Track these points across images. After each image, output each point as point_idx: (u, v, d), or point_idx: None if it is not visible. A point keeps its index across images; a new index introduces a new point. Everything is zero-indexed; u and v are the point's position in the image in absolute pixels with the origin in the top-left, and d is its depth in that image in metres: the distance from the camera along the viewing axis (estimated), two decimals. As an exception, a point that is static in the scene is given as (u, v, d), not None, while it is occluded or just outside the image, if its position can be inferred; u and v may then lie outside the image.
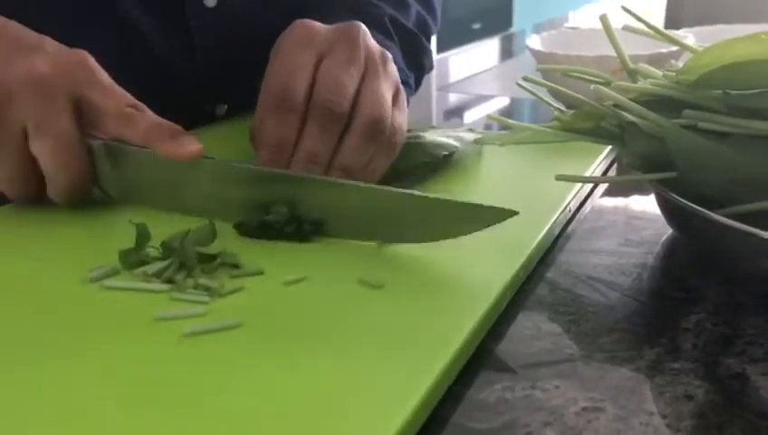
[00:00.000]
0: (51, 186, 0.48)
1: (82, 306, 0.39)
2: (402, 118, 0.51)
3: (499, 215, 0.40)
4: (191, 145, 0.46)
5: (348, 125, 0.48)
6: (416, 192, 0.43)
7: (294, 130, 0.47)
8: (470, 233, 0.41)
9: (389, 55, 0.52)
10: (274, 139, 0.47)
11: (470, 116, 0.86)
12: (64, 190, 0.48)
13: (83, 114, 0.47)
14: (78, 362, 0.34)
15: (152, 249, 0.42)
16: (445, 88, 0.99)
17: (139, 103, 0.48)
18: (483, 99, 0.91)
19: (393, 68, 0.52)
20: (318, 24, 0.51)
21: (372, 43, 0.51)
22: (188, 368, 0.33)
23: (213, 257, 0.42)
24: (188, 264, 0.41)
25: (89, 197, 0.50)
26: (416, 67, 0.70)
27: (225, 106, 0.72)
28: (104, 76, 0.48)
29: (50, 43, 0.48)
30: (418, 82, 0.72)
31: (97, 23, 0.51)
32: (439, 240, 0.42)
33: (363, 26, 0.51)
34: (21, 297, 0.40)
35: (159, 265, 0.41)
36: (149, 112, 0.48)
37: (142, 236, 0.42)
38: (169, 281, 0.40)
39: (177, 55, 0.66)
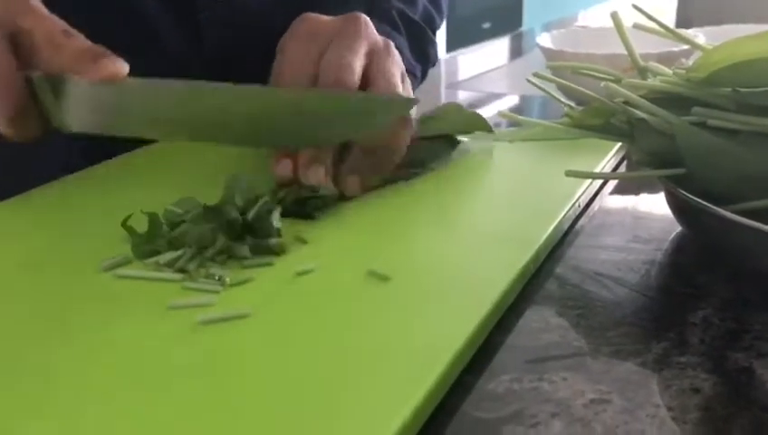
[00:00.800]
0: None
1: (95, 295, 0.39)
2: (398, 139, 0.51)
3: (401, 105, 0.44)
4: (112, 66, 0.44)
5: None
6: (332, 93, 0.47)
7: None
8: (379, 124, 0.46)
9: (392, 43, 0.53)
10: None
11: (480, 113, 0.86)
12: (7, 121, 0.47)
13: (19, 45, 0.47)
14: (90, 349, 0.34)
15: (160, 239, 0.42)
16: (454, 86, 0.99)
17: (72, 30, 0.47)
18: (492, 96, 0.92)
19: (397, 55, 0.53)
20: (323, 18, 0.52)
21: (374, 32, 0.52)
22: (199, 356, 0.33)
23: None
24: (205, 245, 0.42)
25: (35, 130, 0.49)
26: (422, 58, 0.71)
27: None
28: (39, 5, 0.48)
29: None
30: (424, 74, 0.73)
31: (108, 12, 0.52)
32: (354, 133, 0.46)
33: (365, 16, 0.52)
34: (33, 286, 0.41)
35: (171, 254, 0.41)
36: (80, 38, 0.47)
37: (154, 225, 0.43)
38: (181, 271, 0.40)
39: (185, 48, 0.67)
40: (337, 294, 0.38)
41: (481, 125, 0.57)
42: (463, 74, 1.06)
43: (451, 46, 0.78)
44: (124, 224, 0.44)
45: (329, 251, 0.43)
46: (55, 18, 0.48)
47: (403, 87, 0.52)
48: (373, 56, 0.51)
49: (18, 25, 0.47)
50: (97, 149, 0.57)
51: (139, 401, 0.30)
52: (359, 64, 0.49)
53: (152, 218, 0.43)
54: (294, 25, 0.52)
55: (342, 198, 0.49)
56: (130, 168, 0.60)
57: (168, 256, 0.41)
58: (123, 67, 0.44)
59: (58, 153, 0.61)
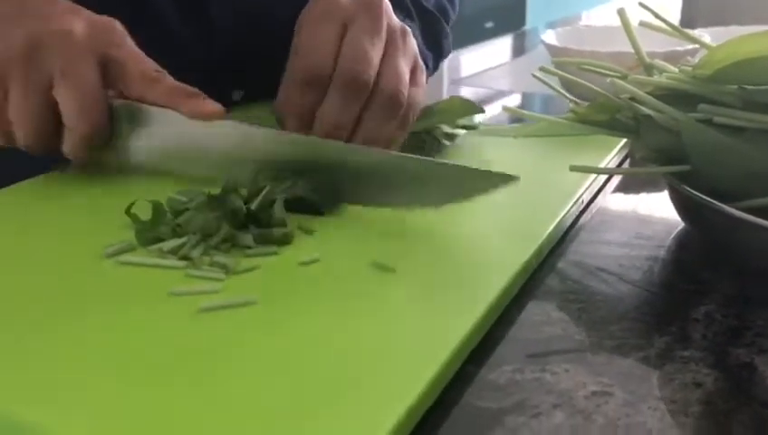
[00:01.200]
0: (68, 135, 0.49)
1: (98, 281, 0.39)
2: (418, 94, 0.52)
3: (503, 179, 0.43)
4: (212, 105, 0.48)
5: (367, 99, 0.49)
6: (429, 159, 0.46)
7: (320, 100, 0.49)
8: (478, 195, 0.44)
9: (409, 30, 0.53)
10: (299, 109, 0.49)
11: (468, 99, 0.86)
12: (81, 140, 0.49)
13: (108, 73, 0.49)
14: (93, 333, 0.34)
15: (164, 226, 0.42)
16: (456, 82, 0.99)
17: (162, 69, 0.50)
18: (494, 93, 0.92)
19: (413, 43, 0.53)
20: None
21: (393, 17, 0.52)
22: (201, 342, 0.33)
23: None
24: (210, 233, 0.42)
25: (100, 155, 0.51)
26: (435, 48, 0.71)
27: (242, 91, 0.73)
28: (131, 42, 0.50)
29: (86, 10, 0.50)
30: (436, 64, 0.73)
31: (119, 10, 0.53)
32: (449, 203, 0.44)
33: (386, 0, 0.52)
34: (37, 272, 0.40)
35: (175, 242, 0.41)
36: (171, 78, 0.50)
37: (157, 212, 0.43)
38: (185, 258, 0.40)
39: (195, 39, 0.67)
40: (341, 284, 0.38)
41: (472, 108, 0.58)
42: (465, 71, 1.06)
43: (454, 45, 0.78)
44: (128, 211, 0.44)
45: (333, 242, 0.43)
46: (147, 56, 0.51)
47: (415, 78, 0.52)
48: (388, 47, 0.51)
49: (112, 55, 0.49)
50: None
51: (141, 386, 0.30)
52: (377, 55, 0.50)
53: (156, 206, 0.43)
54: (312, 4, 0.53)
55: None
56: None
57: (172, 243, 0.41)
58: (221, 108, 0.48)
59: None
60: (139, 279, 0.39)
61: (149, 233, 0.42)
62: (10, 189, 0.53)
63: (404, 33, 0.52)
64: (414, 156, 0.46)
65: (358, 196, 0.47)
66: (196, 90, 0.49)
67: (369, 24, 0.50)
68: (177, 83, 0.49)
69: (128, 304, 0.37)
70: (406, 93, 0.50)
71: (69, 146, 0.50)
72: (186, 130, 0.49)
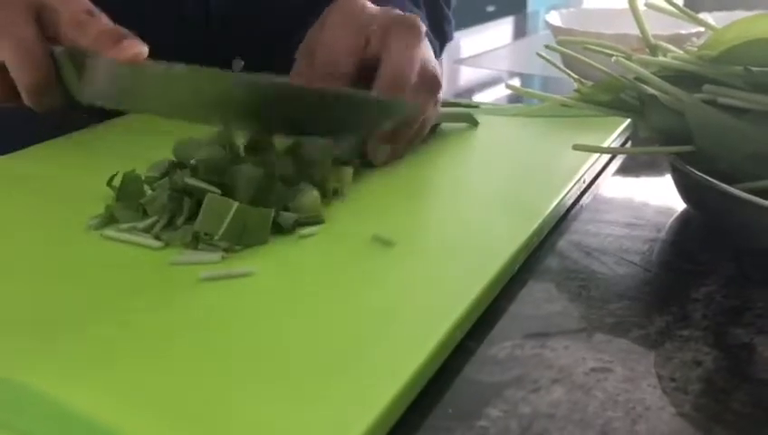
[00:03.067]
0: (19, 88, 0.50)
1: (86, 252, 0.39)
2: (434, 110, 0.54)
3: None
4: (134, 48, 0.46)
5: None
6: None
7: None
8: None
9: (430, 46, 0.54)
10: None
11: (482, 91, 0.85)
12: (31, 92, 0.50)
13: (44, 21, 0.49)
14: (89, 303, 0.34)
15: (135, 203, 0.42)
16: (457, 62, 0.99)
17: (95, 9, 0.50)
18: (495, 74, 0.91)
19: (431, 55, 0.53)
20: (368, 4, 0.52)
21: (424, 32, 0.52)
22: (200, 311, 0.33)
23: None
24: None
25: (56, 101, 0.51)
26: (438, 34, 0.71)
27: (242, 62, 0.72)
28: None
29: None
30: (440, 51, 0.73)
31: None
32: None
33: (418, 19, 0.52)
34: (23, 244, 0.40)
35: (146, 221, 0.41)
36: (103, 18, 0.49)
37: (130, 187, 0.43)
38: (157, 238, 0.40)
39: (191, 20, 0.66)
40: (341, 257, 0.38)
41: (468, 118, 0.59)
42: (466, 52, 1.06)
43: (455, 27, 0.78)
44: (109, 183, 0.44)
45: (334, 216, 0.43)
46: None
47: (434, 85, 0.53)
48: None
49: (44, 3, 0.49)
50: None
51: (139, 356, 0.30)
52: (418, 62, 0.50)
53: (128, 180, 0.43)
54: (339, 2, 0.52)
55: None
56: (124, 129, 0.60)
57: (143, 223, 0.41)
58: (144, 49, 0.47)
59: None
60: (137, 250, 0.39)
61: (123, 211, 0.42)
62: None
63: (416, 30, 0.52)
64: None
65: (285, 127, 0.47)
66: (122, 31, 0.48)
67: (408, 34, 0.50)
68: (106, 26, 0.48)
69: (124, 275, 0.37)
70: (440, 74, 0.52)
71: (23, 96, 0.51)
72: (119, 73, 0.48)
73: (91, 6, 0.50)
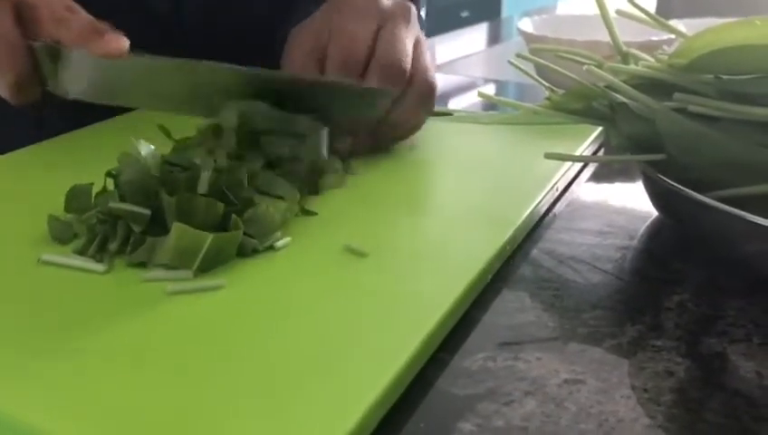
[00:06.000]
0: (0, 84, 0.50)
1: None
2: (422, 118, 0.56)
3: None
4: (116, 42, 0.47)
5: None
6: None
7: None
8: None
9: (424, 36, 0.57)
10: None
11: (456, 98, 0.85)
12: (11, 87, 0.50)
13: (23, 18, 0.50)
14: (62, 318, 0.33)
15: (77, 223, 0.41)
16: (432, 69, 0.99)
17: (74, 5, 0.50)
18: (469, 81, 0.91)
19: (426, 45, 0.56)
20: None
21: (416, 22, 0.55)
22: (168, 326, 0.33)
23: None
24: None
25: (35, 96, 0.51)
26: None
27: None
28: None
29: None
30: None
31: None
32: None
33: (413, 7, 0.55)
34: None
35: (77, 244, 0.39)
36: (83, 14, 0.49)
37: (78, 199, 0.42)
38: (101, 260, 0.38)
39: (162, 18, 0.66)
40: (311, 269, 0.38)
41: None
42: (440, 58, 1.06)
43: (429, 33, 0.78)
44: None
45: (304, 227, 0.42)
46: None
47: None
48: (416, 47, 0.54)
49: None
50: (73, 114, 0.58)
51: (110, 374, 0.30)
52: (411, 50, 0.52)
53: (78, 190, 0.42)
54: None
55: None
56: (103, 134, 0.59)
57: (74, 245, 0.39)
58: (125, 44, 0.47)
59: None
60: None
61: (62, 233, 0.41)
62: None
63: (423, 39, 0.56)
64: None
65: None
66: (103, 26, 0.48)
67: (403, 22, 0.53)
68: (86, 22, 0.49)
69: (95, 291, 0.36)
70: (435, 83, 0.53)
71: (3, 91, 0.51)
72: (100, 67, 0.49)
73: (71, 2, 0.50)
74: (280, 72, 0.53)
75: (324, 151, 0.48)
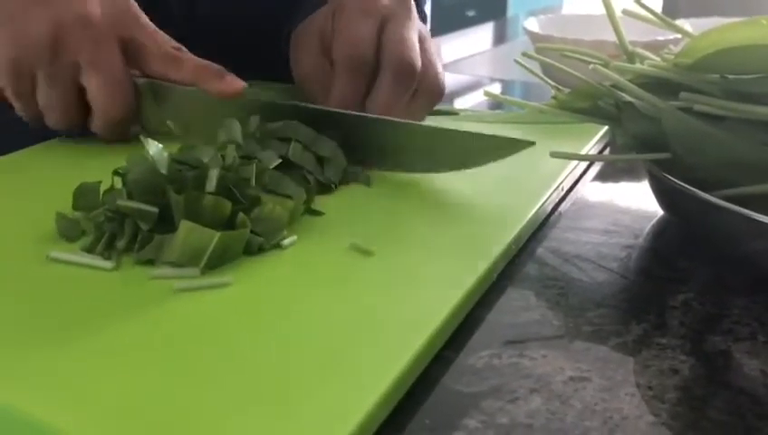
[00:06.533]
0: (98, 117, 0.52)
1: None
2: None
3: (516, 145, 0.46)
4: (236, 82, 0.50)
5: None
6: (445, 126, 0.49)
7: (365, 88, 0.52)
8: (490, 161, 0.47)
9: (427, 30, 0.57)
10: (347, 95, 0.51)
11: (462, 97, 0.86)
12: (111, 122, 0.52)
13: (129, 55, 0.51)
14: (66, 316, 0.34)
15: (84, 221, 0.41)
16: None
17: (181, 46, 0.52)
18: (475, 80, 0.91)
19: (431, 41, 0.57)
20: None
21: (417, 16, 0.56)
22: (174, 323, 0.33)
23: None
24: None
25: (129, 133, 0.54)
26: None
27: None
28: (148, 21, 0.53)
29: None
30: None
31: None
32: (461, 168, 0.48)
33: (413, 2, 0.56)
34: None
35: (85, 241, 0.39)
36: (191, 54, 0.52)
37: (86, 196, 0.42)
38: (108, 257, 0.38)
39: (176, 18, 0.66)
40: (317, 267, 0.38)
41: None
42: (446, 57, 1.06)
43: (434, 32, 0.78)
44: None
45: (311, 226, 0.42)
46: (165, 34, 0.53)
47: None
48: (420, 42, 0.54)
49: (132, 36, 0.51)
50: None
51: (114, 371, 0.30)
52: (418, 45, 0.53)
53: (86, 188, 0.42)
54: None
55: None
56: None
57: (82, 242, 0.39)
58: (244, 85, 0.50)
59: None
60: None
61: (70, 231, 0.41)
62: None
63: (425, 30, 0.56)
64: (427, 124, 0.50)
65: (374, 160, 0.49)
66: (219, 67, 0.51)
67: (406, 18, 0.53)
68: (199, 61, 0.51)
69: (101, 288, 0.36)
70: (444, 82, 0.54)
71: (98, 127, 0.52)
72: (210, 107, 0.50)
73: (177, 43, 0.53)
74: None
75: (336, 179, 0.48)
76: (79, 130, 0.54)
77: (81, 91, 0.51)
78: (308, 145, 0.47)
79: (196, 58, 0.52)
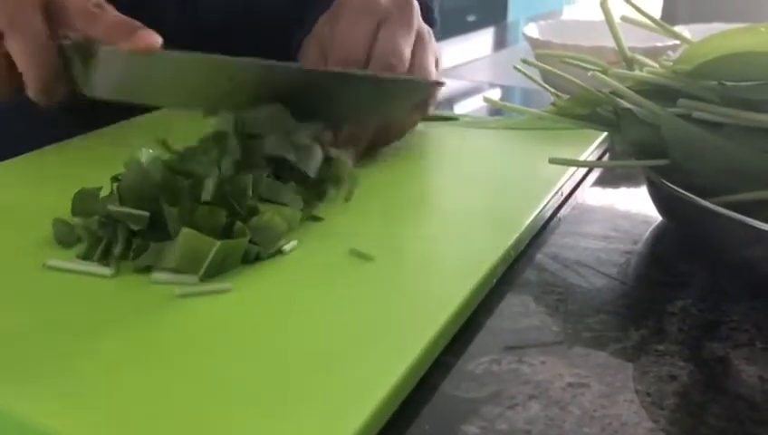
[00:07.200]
0: (26, 83, 0.50)
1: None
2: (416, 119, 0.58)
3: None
4: (149, 38, 0.47)
5: None
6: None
7: None
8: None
9: (431, 32, 0.57)
10: None
11: (461, 102, 0.86)
12: (38, 87, 0.50)
13: (52, 15, 0.49)
14: (67, 320, 0.34)
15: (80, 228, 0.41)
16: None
17: (103, 2, 0.50)
18: (475, 85, 0.91)
19: (434, 43, 0.57)
20: None
21: (420, 19, 0.56)
22: (175, 328, 0.33)
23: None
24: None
25: (61, 95, 0.51)
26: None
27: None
28: None
29: None
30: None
31: None
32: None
33: (416, 3, 0.56)
34: None
35: (80, 248, 0.39)
36: (112, 10, 0.50)
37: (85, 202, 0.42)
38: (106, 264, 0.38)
39: (180, 15, 0.67)
40: (317, 273, 0.38)
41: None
42: (446, 63, 1.06)
43: (435, 38, 0.78)
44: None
45: (310, 231, 0.43)
46: None
47: (437, 72, 0.56)
48: (417, 44, 0.54)
49: None
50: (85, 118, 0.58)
51: (118, 375, 0.30)
52: (409, 50, 0.53)
53: (85, 194, 0.42)
54: None
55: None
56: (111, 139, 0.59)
57: (77, 249, 0.39)
58: (157, 40, 0.47)
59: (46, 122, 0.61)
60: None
61: (66, 237, 0.41)
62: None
63: (429, 34, 0.56)
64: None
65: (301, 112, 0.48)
66: (133, 22, 0.48)
67: (402, 22, 0.53)
68: (117, 17, 0.49)
69: (102, 292, 0.36)
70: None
71: (30, 91, 0.51)
72: (132, 64, 0.48)
73: (101, 0, 0.50)
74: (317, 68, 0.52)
75: (314, 170, 0.46)
76: (14, 99, 0.52)
77: (9, 59, 0.50)
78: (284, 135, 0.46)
79: (114, 14, 0.50)
